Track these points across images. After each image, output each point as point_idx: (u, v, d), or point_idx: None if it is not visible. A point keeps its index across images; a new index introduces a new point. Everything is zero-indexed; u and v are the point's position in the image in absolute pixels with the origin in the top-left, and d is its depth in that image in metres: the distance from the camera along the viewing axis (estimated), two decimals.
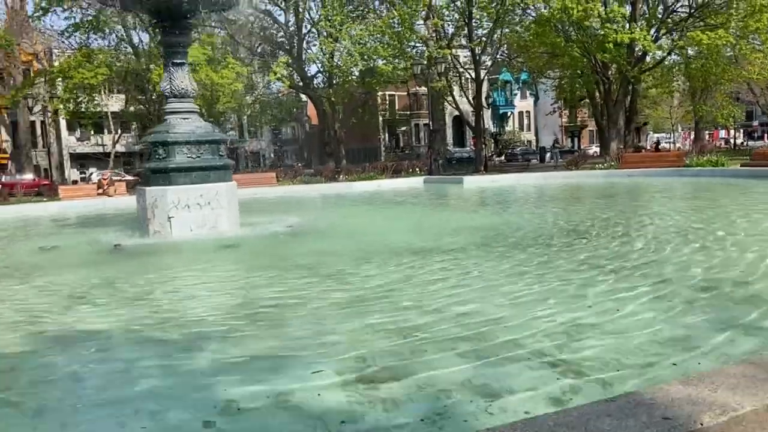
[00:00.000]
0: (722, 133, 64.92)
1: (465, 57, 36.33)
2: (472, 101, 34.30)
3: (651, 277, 5.58)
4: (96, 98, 34.88)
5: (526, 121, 69.48)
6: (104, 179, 22.52)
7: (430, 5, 31.68)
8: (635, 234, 8.33)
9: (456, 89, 35.98)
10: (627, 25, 29.69)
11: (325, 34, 34.91)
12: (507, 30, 32.65)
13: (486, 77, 52.11)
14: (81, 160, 51.83)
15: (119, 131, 45.55)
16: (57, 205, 20.53)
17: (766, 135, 64.68)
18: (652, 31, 31.28)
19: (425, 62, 31.75)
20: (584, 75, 34.58)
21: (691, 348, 3.69)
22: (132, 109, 39.14)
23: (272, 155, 66.31)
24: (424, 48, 33.04)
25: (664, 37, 32.56)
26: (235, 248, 9.04)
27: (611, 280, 5.56)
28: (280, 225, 11.20)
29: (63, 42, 35.01)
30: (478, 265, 6.69)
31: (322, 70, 37.05)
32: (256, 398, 3.31)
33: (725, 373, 2.56)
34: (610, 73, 33.58)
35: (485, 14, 30.65)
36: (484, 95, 42.15)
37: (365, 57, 31.55)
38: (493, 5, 29.69)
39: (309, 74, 38.78)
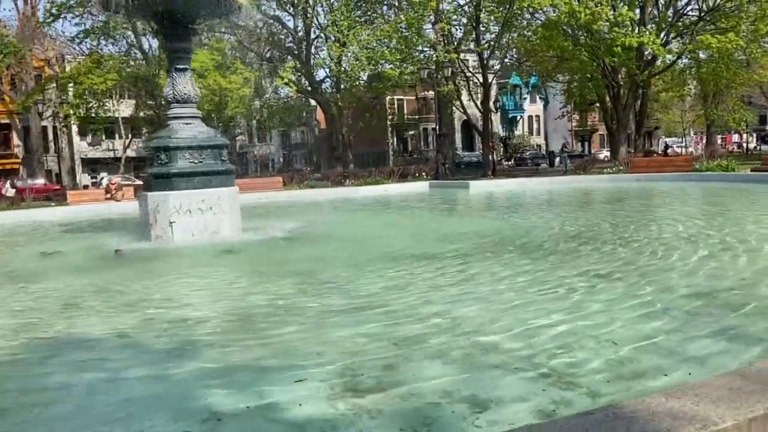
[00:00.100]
0: (735, 138, 64.28)
1: (474, 61, 36.30)
2: (480, 105, 34.21)
3: (651, 284, 5.49)
4: (106, 104, 35.16)
5: (535, 125, 69.17)
6: (112, 184, 22.66)
7: (437, 10, 31.68)
8: (637, 241, 8.21)
9: (464, 93, 35.91)
10: (636, 29, 29.52)
11: (332, 39, 35.00)
12: (515, 34, 32.54)
13: (495, 81, 52.15)
14: (92, 165, 52.22)
15: (130, 136, 45.87)
16: (65, 210, 20.66)
17: None
18: (662, 34, 31.07)
19: (432, 66, 31.74)
20: (594, 79, 34.41)
21: (688, 359, 3.62)
22: (142, 114, 39.41)
23: (281, 159, 66.47)
24: (432, 52, 33.02)
25: (674, 40, 32.33)
26: (234, 253, 9.04)
27: (612, 287, 5.47)
28: (282, 230, 11.21)
29: (74, 48, 35.34)
30: (478, 272, 6.61)
31: (329, 75, 37.13)
32: (238, 408, 3.28)
33: (710, 386, 2.48)
34: (619, 77, 33.38)
35: (492, 18, 30.58)
36: (492, 99, 42.07)
37: (372, 62, 31.58)
38: (501, 9, 29.62)
39: (317, 79, 38.86)
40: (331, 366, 3.77)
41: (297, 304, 5.57)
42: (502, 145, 59.47)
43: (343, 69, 33.67)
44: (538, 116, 68.56)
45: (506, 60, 40.48)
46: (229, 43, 37.75)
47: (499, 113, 61.91)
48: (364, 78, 36.83)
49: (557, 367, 3.57)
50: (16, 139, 47.17)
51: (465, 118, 37.91)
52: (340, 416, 3.11)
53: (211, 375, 3.81)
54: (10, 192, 29.30)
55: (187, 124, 10.39)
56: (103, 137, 48.60)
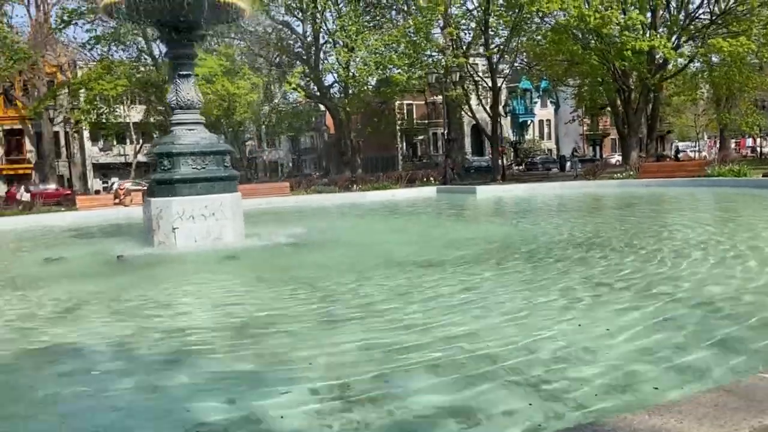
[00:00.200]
0: (749, 142, 63.60)
1: (483, 65, 36.20)
2: (489, 110, 34.11)
3: (657, 294, 5.39)
4: (117, 109, 35.44)
5: (546, 130, 68.86)
6: (120, 189, 22.81)
7: (446, 14, 31.64)
8: (645, 248, 8.08)
9: (473, 98, 35.82)
10: (647, 33, 29.32)
11: (340, 44, 35.09)
12: (524, 38, 32.43)
13: (505, 86, 51.97)
14: (104, 170, 52.66)
15: (141, 141, 46.20)
16: (73, 215, 20.80)
17: None
18: (674, 38, 30.84)
19: (441, 71, 31.69)
20: (604, 83, 34.21)
21: (685, 372, 3.54)
22: (152, 119, 39.70)
23: (290, 164, 66.65)
24: (440, 57, 32.98)
25: (685, 44, 32.07)
26: (236, 260, 9.02)
27: (616, 297, 5.38)
28: (285, 236, 11.16)
29: (86, 54, 35.69)
30: (480, 280, 6.54)
31: (338, 80, 37.22)
32: (223, 419, 3.25)
33: (695, 402, 2.42)
34: (630, 81, 33.15)
35: (501, 22, 30.49)
36: (502, 104, 41.91)
37: (380, 67, 31.61)
38: (510, 13, 29.53)
39: (326, 84, 38.95)
40: (323, 377, 3.74)
41: (295, 312, 5.53)
42: (512, 149, 59.26)
43: (351, 74, 33.72)
44: (548, 120, 68.26)
45: (516, 64, 40.33)
46: (239, 48, 37.93)
47: (509, 117, 61.69)
48: (373, 83, 36.85)
49: (551, 380, 3.52)
50: (28, 145, 47.71)
51: (475, 122, 37.74)
52: (326, 430, 3.06)
53: (200, 385, 3.78)
54: (25, 197, 29.62)
55: (190, 130, 10.41)
56: (115, 142, 49.02)
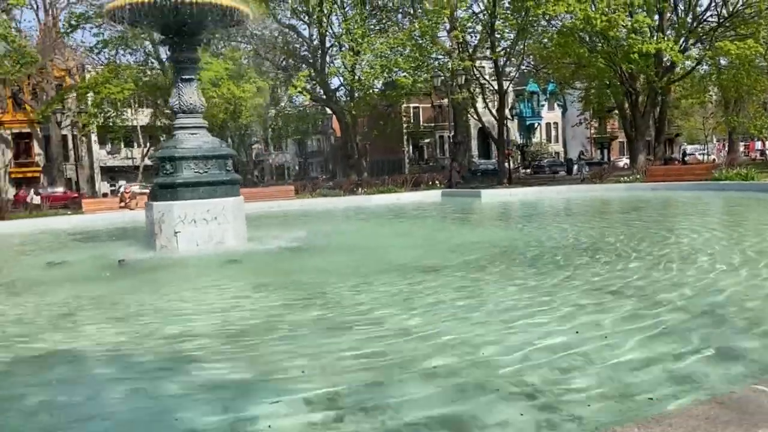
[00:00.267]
0: (758, 145, 63.13)
1: (490, 68, 36.14)
2: (495, 113, 34.03)
3: (660, 302, 5.31)
4: (124, 113, 35.62)
5: (553, 133, 68.61)
6: (126, 193, 22.88)
7: (452, 17, 31.61)
8: (650, 254, 7.98)
9: (479, 101, 35.74)
10: (654, 35, 29.16)
11: (346, 47, 35.12)
12: (531, 41, 32.33)
13: (512, 88, 51.80)
14: (112, 173, 52.92)
15: (148, 145, 46.41)
16: (79, 218, 20.89)
17: None
18: (681, 41, 30.66)
19: (446, 74, 31.65)
20: (612, 86, 34.04)
21: (683, 382, 3.49)
22: (159, 123, 39.85)
23: (296, 167, 66.76)
24: (446, 60, 32.95)
25: (693, 47, 31.87)
26: (237, 264, 9.00)
27: (619, 305, 5.31)
28: (288, 239, 11.16)
29: (93, 58, 35.88)
30: (482, 286, 6.49)
31: (343, 83, 37.26)
32: (211, 428, 3.22)
33: (686, 414, 2.37)
34: (638, 83, 32.98)
35: (507, 24, 30.42)
36: (508, 107, 41.78)
37: (386, 70, 31.61)
38: (516, 16, 29.46)
39: (332, 87, 39.00)
40: (316, 386, 3.70)
41: (292, 318, 5.51)
42: (519, 152, 59.08)
43: (356, 77, 33.75)
44: (556, 123, 68.03)
45: (523, 67, 40.23)
46: (245, 52, 38.03)
47: (516, 120, 61.55)
48: (379, 86, 36.86)
49: (546, 390, 3.47)
50: (37, 148, 48.00)
51: (481, 125, 37.67)
52: None
53: (192, 392, 3.77)
54: (36, 200, 29.81)
55: (192, 134, 10.42)
56: (122, 146, 49.23)
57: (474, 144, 57.09)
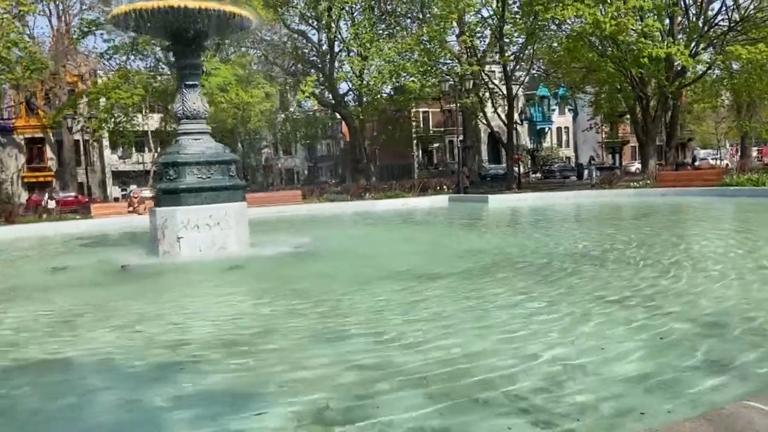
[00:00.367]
0: None
1: (500, 73, 36.02)
2: (505, 118, 33.90)
3: (663, 313, 5.21)
4: (135, 118, 35.85)
5: (564, 137, 68.30)
6: (134, 197, 23.02)
7: (461, 21, 31.56)
8: (658, 262, 7.84)
9: (488, 106, 35.62)
10: (665, 40, 28.94)
11: (354, 52, 35.18)
12: (540, 46, 32.19)
13: (522, 93, 51.57)
14: (123, 178, 53.27)
15: (159, 149, 46.69)
16: (88, 222, 21.01)
17: None
18: (692, 45, 30.41)
19: (455, 79, 31.57)
20: (623, 90, 33.83)
21: (676, 395, 3.42)
22: (169, 128, 40.08)
23: (305, 172, 66.88)
24: (454, 64, 32.89)
25: (704, 51, 31.60)
26: (239, 270, 8.98)
27: (620, 315, 5.21)
28: (292, 245, 11.13)
29: (105, 64, 36.21)
30: (477, 294, 6.39)
31: (352, 88, 37.31)
32: None
33: (674, 431, 2.30)
34: (648, 88, 32.74)
35: (516, 29, 30.32)
36: (518, 111, 41.56)
37: (394, 75, 31.62)
38: (524, 21, 29.36)
39: (340, 92, 39.05)
40: (306, 397, 3.67)
41: (287, 326, 5.49)
42: (529, 157, 58.83)
43: (365, 83, 33.78)
44: (567, 128, 67.73)
45: (533, 71, 40.08)
46: (254, 57, 38.22)
47: (526, 125, 61.31)
48: (387, 91, 36.88)
49: (538, 403, 3.42)
50: (49, 153, 48.48)
51: (494, 129, 37.52)
52: None
53: (179, 402, 3.75)
54: (51, 204, 30.04)
55: (196, 139, 10.43)
56: (133, 150, 49.56)
57: (484, 149, 56.90)
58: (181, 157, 10.17)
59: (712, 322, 4.83)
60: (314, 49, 39.17)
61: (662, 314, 5.10)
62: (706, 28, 31.12)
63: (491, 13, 31.42)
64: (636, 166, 46.30)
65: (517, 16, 30.08)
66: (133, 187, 46.48)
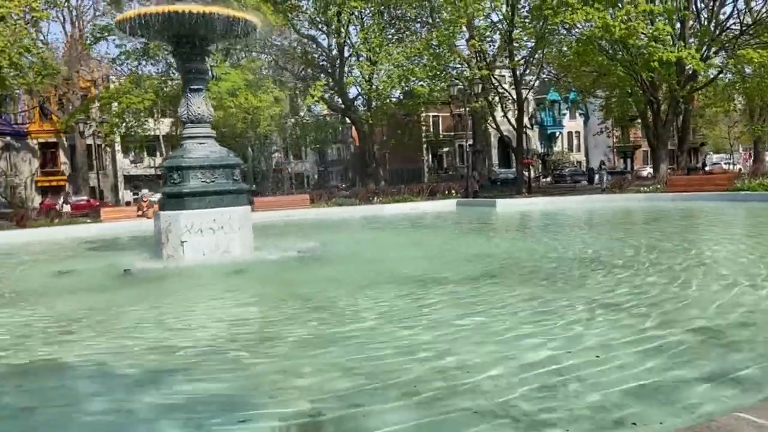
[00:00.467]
0: None
1: (510, 77, 35.92)
2: (514, 122, 33.78)
3: (664, 319, 5.14)
4: (146, 122, 36.10)
5: (575, 142, 68.01)
6: (144, 201, 23.11)
7: (470, 26, 31.50)
8: (664, 268, 7.73)
9: (498, 110, 35.51)
10: (676, 44, 28.71)
11: (364, 57, 35.21)
12: (549, 50, 32.04)
13: (533, 97, 51.36)
14: (135, 182, 53.64)
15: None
16: (97, 226, 21.14)
17: None
18: (704, 48, 30.14)
19: (464, 83, 31.52)
20: (633, 94, 33.60)
21: (672, 405, 3.34)
22: (179, 132, 40.34)
23: (316, 176, 67.00)
24: (464, 68, 32.83)
25: (716, 55, 31.31)
26: (242, 274, 8.97)
27: (621, 321, 5.14)
28: (296, 249, 11.10)
29: (117, 69, 36.53)
30: (478, 300, 6.32)
31: (361, 93, 37.35)
32: None
33: None
34: (660, 92, 32.49)
35: (525, 33, 30.21)
36: (528, 115, 41.44)
37: (403, 80, 31.61)
38: (533, 24, 29.25)
39: (350, 97, 39.13)
40: (295, 404, 3.63)
41: (284, 331, 5.46)
42: (540, 161, 58.62)
43: (374, 87, 33.79)
44: (578, 132, 67.45)
45: (544, 75, 39.93)
46: (264, 62, 38.34)
47: (537, 129, 61.13)
48: (396, 95, 36.86)
49: (530, 412, 3.36)
50: (62, 157, 48.99)
51: (504, 134, 37.39)
52: None
53: (168, 408, 3.73)
54: (66, 208, 30.26)
55: (200, 143, 10.46)
56: (145, 154, 49.94)
57: (494, 153, 56.79)
58: (185, 161, 10.19)
59: (722, 331, 4.71)
60: (324, 53, 39.27)
61: (670, 322, 4.99)
62: (717, 32, 30.84)
63: (501, 17, 31.37)
64: (648, 170, 45.96)
65: (527, 21, 29.98)
66: (144, 191, 46.77)
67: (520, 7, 30.50)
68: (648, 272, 7.36)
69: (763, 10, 29.33)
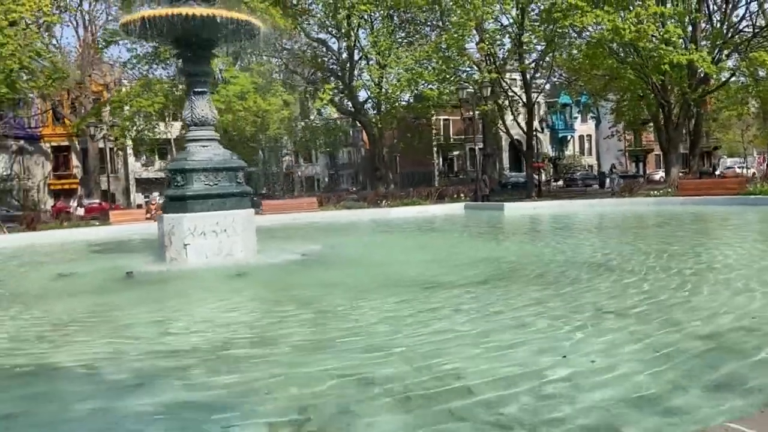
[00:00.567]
0: None
1: (521, 80, 35.80)
2: (524, 125, 33.64)
3: (666, 324, 5.02)
4: (157, 126, 36.33)
5: (587, 145, 67.67)
6: (152, 204, 23.24)
7: (480, 29, 31.42)
8: (666, 272, 7.60)
9: (508, 113, 35.38)
10: (687, 46, 28.46)
11: (373, 60, 35.23)
12: (559, 53, 31.88)
13: (544, 101, 51.14)
14: (146, 185, 54.01)
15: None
16: (106, 229, 21.26)
17: None
18: (716, 51, 29.85)
19: (474, 86, 31.43)
20: (645, 97, 33.33)
21: (668, 413, 3.26)
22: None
23: (326, 179, 67.13)
24: (474, 71, 32.75)
25: (728, 58, 30.99)
26: (244, 277, 8.93)
27: (622, 327, 5.03)
28: (299, 252, 11.06)
29: (128, 73, 36.82)
30: (478, 305, 6.24)
31: (370, 96, 37.36)
32: None
33: None
34: (672, 95, 32.20)
35: (534, 36, 30.09)
36: (538, 119, 41.24)
37: (412, 83, 31.59)
38: (543, 28, 29.12)
39: (360, 100, 39.13)
40: (285, 410, 3.58)
41: (280, 335, 5.40)
42: (551, 165, 58.35)
43: (383, 91, 33.79)
44: (589, 136, 67.10)
45: (555, 79, 39.74)
46: (274, 66, 38.50)
47: (548, 133, 60.87)
48: (405, 99, 36.85)
49: (524, 420, 3.28)
50: (75, 160, 49.41)
51: (514, 137, 37.25)
52: None
53: (156, 412, 3.68)
54: (80, 211, 30.42)
55: (204, 146, 10.45)
56: (156, 158, 50.25)
57: (505, 156, 56.61)
58: (188, 164, 10.19)
59: (731, 339, 4.60)
60: (334, 57, 39.35)
61: (677, 330, 4.85)
62: (729, 35, 30.53)
63: (510, 20, 31.28)
64: (660, 174, 45.57)
65: (536, 24, 29.86)
66: (155, 194, 47.07)
67: (529, 10, 30.38)
68: (657, 277, 7.22)
69: None
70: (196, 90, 10.53)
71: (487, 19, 29.95)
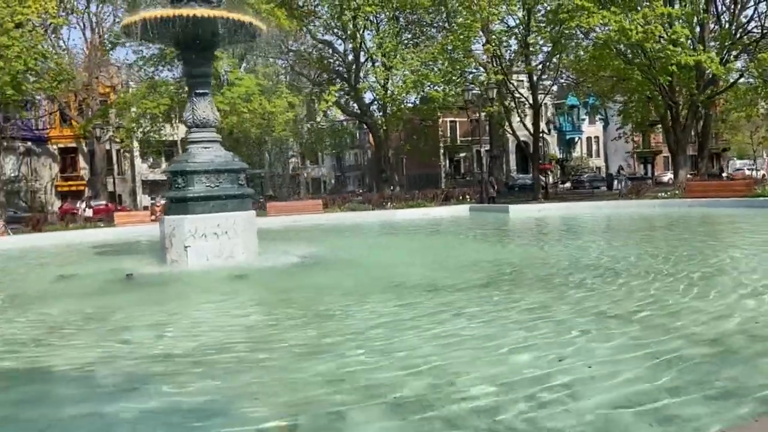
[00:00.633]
0: None
1: (527, 82, 35.65)
2: (530, 127, 33.48)
3: (667, 330, 4.93)
4: (163, 127, 36.40)
5: (594, 147, 67.33)
6: (156, 206, 23.25)
7: (486, 30, 31.30)
8: (671, 276, 7.47)
9: (515, 115, 35.23)
10: (695, 47, 28.23)
11: (379, 62, 35.18)
12: (566, 55, 31.70)
13: (551, 102, 50.89)
14: (152, 187, 54.20)
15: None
16: (110, 231, 21.30)
17: None
18: (724, 52, 29.60)
19: (480, 88, 31.30)
20: (653, 99, 33.10)
21: (666, 419, 3.19)
22: None
23: (332, 181, 67.17)
24: (480, 73, 32.62)
25: (736, 59, 30.72)
26: (244, 280, 8.88)
27: (623, 332, 4.94)
28: (301, 255, 10.99)
29: (134, 74, 36.94)
30: (479, 309, 6.12)
31: (376, 98, 37.30)
32: None
33: None
34: (680, 97, 31.96)
35: (541, 37, 29.93)
36: (545, 121, 41.05)
37: (418, 85, 31.50)
38: (549, 29, 28.95)
39: (366, 102, 39.09)
40: (276, 415, 3.53)
41: (274, 338, 5.36)
42: (559, 167, 58.09)
43: (388, 93, 33.73)
44: (597, 137, 66.76)
45: (562, 80, 39.54)
46: (279, 67, 38.53)
47: (556, 135, 60.62)
48: (411, 100, 36.79)
49: (519, 428, 3.21)
50: (82, 162, 49.66)
51: (520, 139, 37.08)
52: None
53: (147, 417, 3.66)
54: (88, 212, 30.51)
55: (205, 148, 10.40)
56: (163, 159, 50.41)
57: (512, 158, 56.42)
58: (189, 166, 10.15)
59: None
60: (340, 58, 39.33)
61: (681, 336, 4.75)
62: (738, 35, 30.28)
63: (517, 22, 31.15)
64: (668, 176, 45.26)
65: (543, 25, 29.70)
66: (161, 197, 47.19)
67: (536, 11, 30.23)
68: (664, 281, 7.10)
69: None
70: (197, 91, 10.49)
71: (493, 20, 29.81)
